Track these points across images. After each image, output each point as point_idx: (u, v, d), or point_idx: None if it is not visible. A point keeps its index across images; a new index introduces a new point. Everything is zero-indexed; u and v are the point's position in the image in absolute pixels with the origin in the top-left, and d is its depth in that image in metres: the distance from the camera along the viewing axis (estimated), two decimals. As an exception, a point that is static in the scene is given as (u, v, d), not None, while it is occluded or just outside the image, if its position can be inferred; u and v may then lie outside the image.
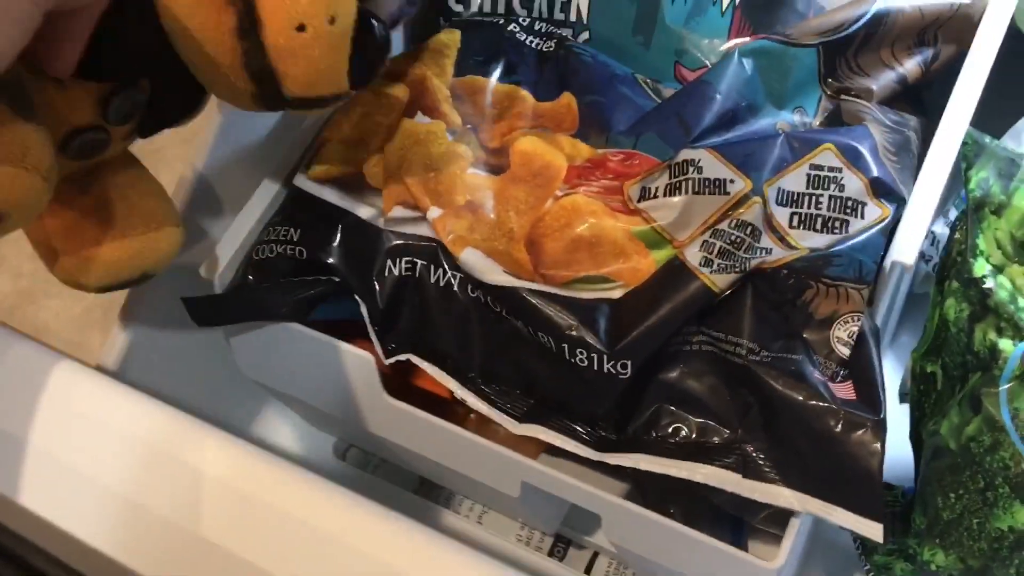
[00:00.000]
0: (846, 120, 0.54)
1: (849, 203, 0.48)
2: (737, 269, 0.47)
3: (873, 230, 0.47)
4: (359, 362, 0.47)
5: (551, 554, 0.57)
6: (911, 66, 0.54)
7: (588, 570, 0.56)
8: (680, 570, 0.48)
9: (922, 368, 0.56)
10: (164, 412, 0.43)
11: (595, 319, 0.48)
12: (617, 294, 0.49)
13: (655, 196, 0.50)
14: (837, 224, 0.48)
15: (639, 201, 0.50)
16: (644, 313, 0.48)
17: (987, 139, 0.54)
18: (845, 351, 0.45)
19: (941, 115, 0.52)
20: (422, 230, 0.52)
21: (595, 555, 0.57)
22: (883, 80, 0.54)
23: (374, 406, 0.49)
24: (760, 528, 0.50)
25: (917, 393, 0.55)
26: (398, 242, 0.48)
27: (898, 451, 0.50)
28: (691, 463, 0.45)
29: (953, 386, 0.53)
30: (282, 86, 0.36)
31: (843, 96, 0.54)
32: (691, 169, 0.50)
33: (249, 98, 0.37)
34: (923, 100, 0.56)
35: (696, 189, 0.49)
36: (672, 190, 0.50)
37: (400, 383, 0.53)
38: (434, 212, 0.52)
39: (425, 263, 0.47)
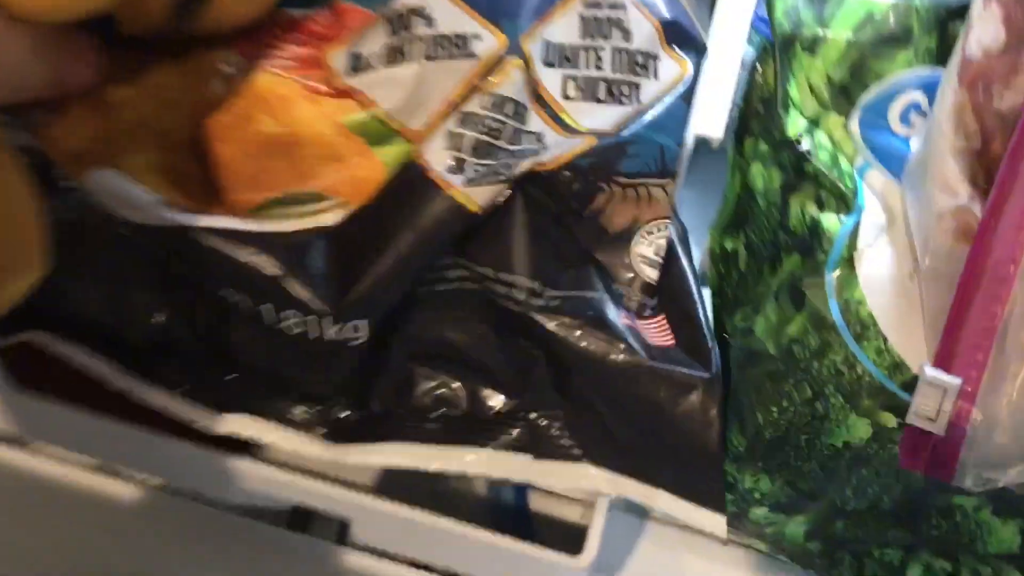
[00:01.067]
0: None
1: (639, 58, 0.34)
2: (502, 176, 0.32)
3: (671, 96, 0.34)
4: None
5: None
6: None
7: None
8: (467, 572, 0.35)
9: (722, 246, 0.45)
10: None
11: (305, 261, 0.32)
12: (333, 219, 0.33)
13: (371, 67, 0.33)
14: (625, 89, 0.34)
15: (350, 75, 0.33)
16: (376, 247, 0.32)
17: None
18: (652, 274, 0.33)
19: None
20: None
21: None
22: None
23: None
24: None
25: (716, 277, 0.44)
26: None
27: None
28: (461, 448, 0.32)
29: (760, 267, 0.42)
30: None
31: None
32: (418, 22, 0.33)
33: None
34: None
35: (429, 52, 0.33)
36: (395, 55, 0.33)
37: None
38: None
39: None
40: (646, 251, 0.34)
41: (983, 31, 0.37)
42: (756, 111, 0.42)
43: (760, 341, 0.41)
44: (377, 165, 0.35)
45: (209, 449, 0.35)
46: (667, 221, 0.34)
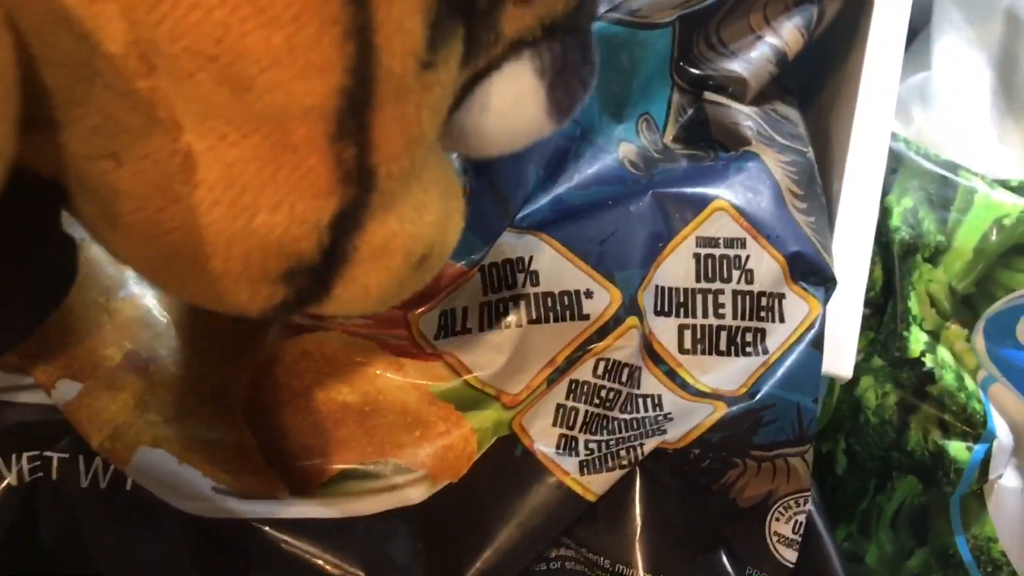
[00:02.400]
0: (717, 135, 0.34)
1: (763, 300, 0.30)
2: (623, 461, 0.27)
3: (802, 343, 0.29)
4: None
5: None
6: (789, 33, 0.35)
7: None
8: None
9: (816, 450, 0.40)
10: None
11: (389, 552, 0.27)
12: (419, 494, 0.28)
13: (465, 329, 0.28)
14: (749, 337, 0.29)
15: (440, 338, 0.28)
16: (473, 535, 0.27)
17: (904, 144, 0.37)
18: (790, 556, 0.28)
19: (818, 102, 0.34)
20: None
21: None
22: (755, 59, 0.34)
23: None
24: None
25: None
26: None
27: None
28: None
29: (865, 481, 0.38)
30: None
31: (706, 93, 0.33)
32: (520, 278, 0.28)
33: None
34: (785, 82, 0.37)
35: (534, 314, 0.28)
36: (494, 316, 0.28)
37: None
38: (66, 389, 0.27)
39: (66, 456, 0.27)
40: (783, 529, 0.29)
41: None
42: (863, 314, 0.37)
43: (874, 573, 0.37)
44: (468, 433, 0.30)
45: None
46: (807, 495, 0.29)
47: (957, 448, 0.35)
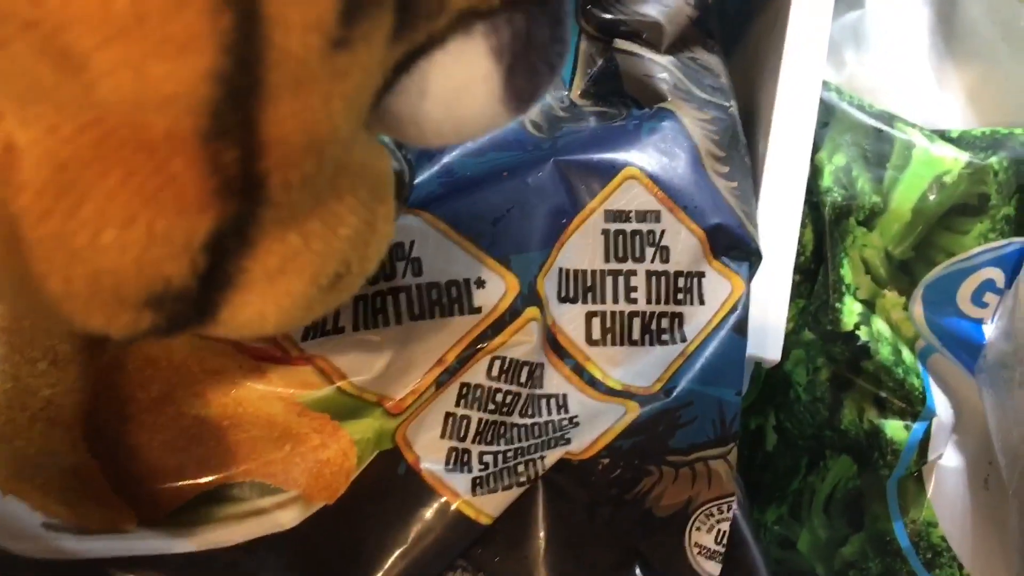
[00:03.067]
0: (629, 89, 0.29)
1: (680, 281, 0.26)
2: (521, 478, 0.24)
3: (725, 327, 0.25)
4: None
5: None
6: (712, -31, 0.31)
7: None
8: None
9: (744, 426, 0.37)
10: None
11: None
12: (291, 519, 0.24)
13: (337, 328, 0.24)
14: (665, 324, 0.26)
15: (308, 339, 0.24)
16: (355, 565, 0.23)
17: (836, 93, 0.33)
18: (712, 570, 0.25)
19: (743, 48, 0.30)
20: None
21: None
22: (671, 0, 0.30)
23: None
24: None
25: (739, 460, 0.37)
26: None
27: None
28: None
29: (796, 459, 0.35)
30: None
31: (617, 41, 0.29)
32: (402, 266, 0.24)
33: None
34: (708, 25, 0.33)
35: (418, 308, 0.24)
36: (369, 311, 0.24)
37: None
38: None
39: None
40: (705, 539, 0.26)
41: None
42: (792, 280, 0.34)
43: (806, 560, 0.34)
44: (347, 446, 0.26)
45: None
46: (731, 500, 0.26)
47: (894, 428, 0.32)
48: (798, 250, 0.33)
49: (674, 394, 0.26)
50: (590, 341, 0.27)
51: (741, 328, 0.27)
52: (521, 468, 0.25)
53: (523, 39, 0.17)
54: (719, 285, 0.27)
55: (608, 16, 0.30)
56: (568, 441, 0.25)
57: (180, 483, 0.26)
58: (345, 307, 0.25)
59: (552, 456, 0.25)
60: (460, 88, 0.17)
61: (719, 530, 0.26)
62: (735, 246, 0.27)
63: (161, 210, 0.13)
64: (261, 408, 0.25)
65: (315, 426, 0.26)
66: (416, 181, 0.26)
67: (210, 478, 0.26)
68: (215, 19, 0.12)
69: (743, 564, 0.27)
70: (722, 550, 0.26)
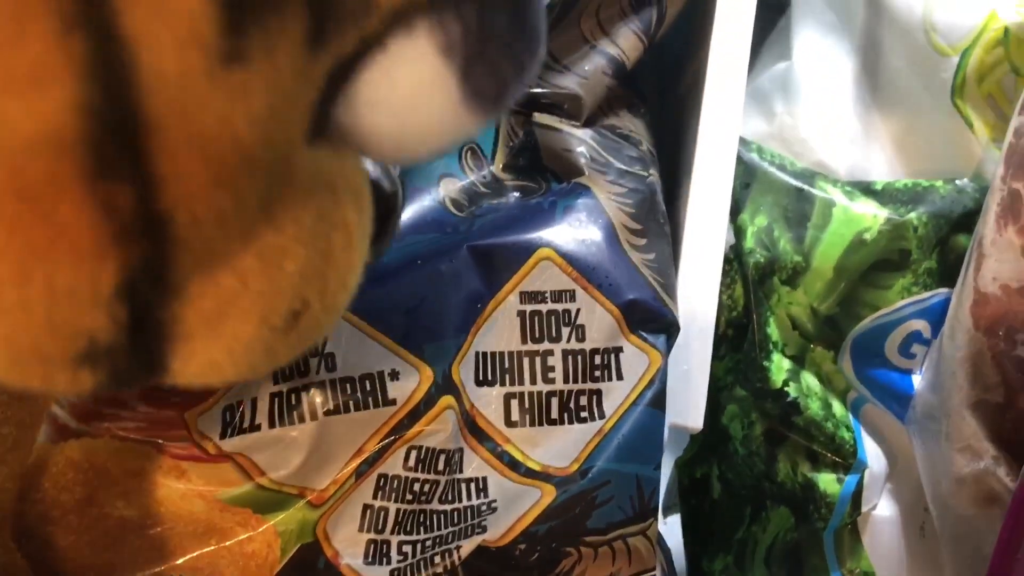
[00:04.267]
0: (548, 162, 0.30)
1: (596, 358, 0.26)
2: (437, 569, 0.24)
3: (642, 403, 0.26)
4: None
5: None
6: (626, 39, 0.31)
7: None
8: None
9: (691, 476, 0.38)
10: None
11: None
12: None
13: (254, 426, 0.24)
14: (583, 401, 0.26)
15: (226, 438, 0.24)
16: None
17: (758, 154, 0.33)
18: None
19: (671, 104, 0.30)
20: None
21: None
22: (590, 72, 0.31)
23: None
24: None
25: (687, 510, 0.38)
26: None
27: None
28: None
29: (740, 508, 0.36)
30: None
31: (536, 115, 0.30)
32: (315, 362, 0.24)
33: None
34: (636, 81, 0.33)
35: (331, 404, 0.24)
36: (284, 408, 0.24)
37: None
38: None
39: None
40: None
41: (1000, 263, 0.30)
42: (725, 335, 0.35)
43: (751, 613, 0.35)
44: (271, 537, 0.26)
45: None
46: (652, 574, 0.26)
47: (827, 481, 0.32)
48: (730, 305, 0.33)
49: (590, 475, 0.26)
50: (509, 423, 0.27)
51: (659, 402, 0.27)
52: (438, 559, 0.25)
53: (476, 32, 0.15)
54: (636, 359, 0.28)
55: (528, 89, 0.30)
56: (484, 529, 0.26)
57: (109, 579, 0.26)
58: (261, 403, 0.25)
59: (469, 545, 0.25)
60: (410, 94, 0.15)
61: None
62: (651, 319, 0.28)
63: (57, 264, 0.12)
64: (181, 507, 0.26)
65: (238, 520, 0.26)
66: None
67: (141, 573, 0.26)
68: (64, 45, 0.11)
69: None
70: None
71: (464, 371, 0.26)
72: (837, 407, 0.33)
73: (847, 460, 0.33)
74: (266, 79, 0.13)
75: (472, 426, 0.27)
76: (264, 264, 0.15)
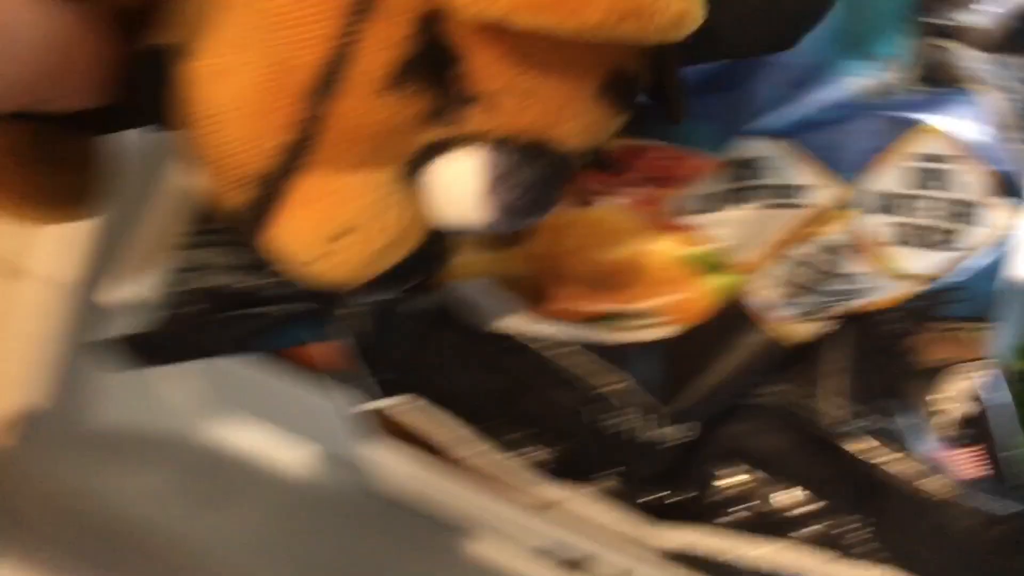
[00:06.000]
0: (941, 76, 0.40)
1: (963, 208, 0.36)
2: (819, 316, 0.36)
3: (1000, 245, 0.36)
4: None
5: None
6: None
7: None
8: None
9: (1021, 370, 0.45)
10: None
11: (644, 368, 0.38)
12: (663, 334, 0.38)
13: (713, 207, 0.38)
14: (948, 237, 0.37)
15: (691, 215, 0.38)
16: (700, 366, 0.37)
17: None
18: (964, 408, 0.35)
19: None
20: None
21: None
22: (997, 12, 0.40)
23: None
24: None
25: (1017, 396, 0.45)
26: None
27: None
28: (763, 537, 0.36)
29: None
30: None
31: (938, 40, 0.40)
32: (758, 171, 0.37)
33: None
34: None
35: (767, 199, 0.37)
36: (734, 199, 0.38)
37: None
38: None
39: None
40: (958, 388, 0.37)
41: None
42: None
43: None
44: (706, 292, 0.39)
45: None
46: (983, 363, 0.37)
47: None
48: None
49: (953, 282, 0.37)
50: (891, 244, 0.38)
51: (1012, 248, 0.37)
52: (822, 312, 0.37)
53: (512, 167, 0.24)
54: (1000, 216, 0.38)
55: (935, 20, 0.42)
56: (862, 296, 0.37)
57: (590, 306, 0.41)
58: (716, 196, 0.39)
59: (847, 305, 0.37)
60: (455, 175, 0.24)
61: (972, 383, 0.37)
62: (1016, 192, 0.38)
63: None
64: (658, 259, 0.40)
65: (688, 276, 0.40)
66: (770, 121, 0.39)
67: (613, 304, 0.41)
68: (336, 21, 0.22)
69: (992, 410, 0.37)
70: (973, 398, 0.37)
71: (859, 197, 0.38)
72: None
73: None
74: (407, 109, 0.23)
75: (857, 240, 0.38)
76: (337, 195, 0.24)
